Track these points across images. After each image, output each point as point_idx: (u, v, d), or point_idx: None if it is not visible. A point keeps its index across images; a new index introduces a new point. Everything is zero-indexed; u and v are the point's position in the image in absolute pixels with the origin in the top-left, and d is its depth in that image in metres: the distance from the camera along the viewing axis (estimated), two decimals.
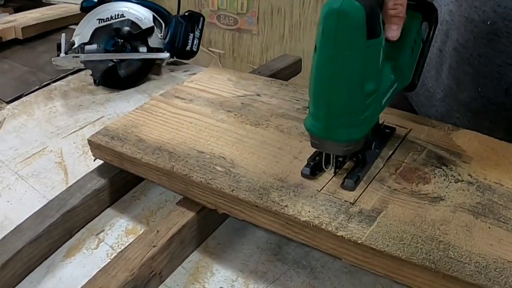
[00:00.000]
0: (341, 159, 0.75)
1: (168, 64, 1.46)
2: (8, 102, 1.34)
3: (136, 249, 0.74)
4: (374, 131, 0.74)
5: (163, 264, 0.75)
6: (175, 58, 1.42)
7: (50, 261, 0.83)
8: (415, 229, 0.66)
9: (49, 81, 1.40)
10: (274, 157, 0.81)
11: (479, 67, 0.92)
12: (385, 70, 0.71)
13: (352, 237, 0.65)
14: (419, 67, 0.79)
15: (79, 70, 1.44)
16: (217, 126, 0.90)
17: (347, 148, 0.69)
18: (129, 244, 0.75)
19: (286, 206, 0.70)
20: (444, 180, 0.75)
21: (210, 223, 0.82)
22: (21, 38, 1.66)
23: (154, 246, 0.74)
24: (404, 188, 0.73)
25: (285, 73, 1.28)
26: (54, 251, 0.85)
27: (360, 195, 0.72)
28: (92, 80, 1.34)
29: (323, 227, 0.66)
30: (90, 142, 0.91)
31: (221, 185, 0.75)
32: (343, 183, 0.73)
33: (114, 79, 1.30)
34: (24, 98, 1.35)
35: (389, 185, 0.74)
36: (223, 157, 0.81)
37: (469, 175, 0.76)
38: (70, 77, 1.43)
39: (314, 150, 0.77)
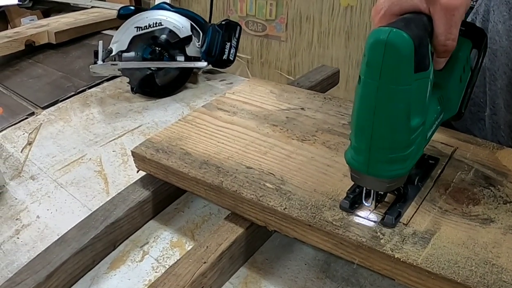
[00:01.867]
0: (382, 193, 0.72)
1: (204, 72, 1.48)
2: (44, 108, 1.35)
3: (186, 264, 0.75)
4: (417, 164, 0.71)
5: (213, 280, 0.77)
6: (211, 67, 1.43)
7: (94, 273, 0.84)
8: (468, 251, 0.67)
9: (85, 87, 1.42)
10: (323, 174, 0.82)
11: None
12: (432, 101, 0.69)
13: (408, 259, 0.66)
14: (467, 96, 0.77)
15: (114, 77, 1.46)
16: (263, 141, 0.91)
17: (390, 185, 0.67)
18: (179, 260, 0.76)
19: (339, 226, 0.71)
20: (493, 201, 0.75)
21: (258, 238, 0.84)
22: (54, 43, 1.67)
23: (204, 263, 0.75)
24: (455, 209, 0.74)
25: (324, 84, 1.29)
26: (98, 263, 0.86)
27: (413, 216, 0.73)
28: (128, 87, 1.35)
29: (378, 249, 0.67)
30: (134, 154, 0.93)
31: (272, 203, 0.76)
32: (383, 219, 0.72)
33: (151, 87, 1.32)
34: (59, 104, 1.37)
35: (440, 205, 0.75)
36: (272, 174, 0.82)
37: None
38: (105, 84, 1.45)
39: (351, 186, 0.77)
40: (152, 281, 0.75)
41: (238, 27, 1.40)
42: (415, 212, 0.73)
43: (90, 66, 1.27)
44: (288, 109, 1.00)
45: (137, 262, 0.86)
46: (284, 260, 0.83)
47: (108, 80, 1.45)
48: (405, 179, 0.69)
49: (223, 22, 1.39)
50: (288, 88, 1.09)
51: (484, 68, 1.01)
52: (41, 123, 1.28)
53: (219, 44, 1.37)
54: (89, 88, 1.42)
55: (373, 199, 0.72)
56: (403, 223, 0.71)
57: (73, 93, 1.39)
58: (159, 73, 1.31)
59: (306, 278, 0.79)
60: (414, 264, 0.65)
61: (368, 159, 0.64)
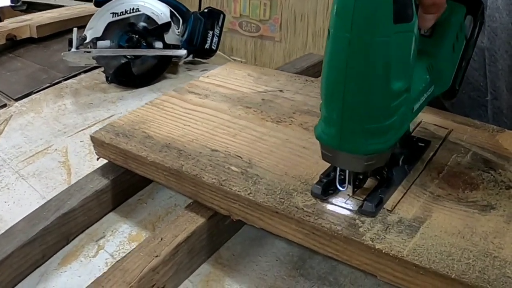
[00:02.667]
0: (360, 177, 0.60)
1: (185, 63, 1.35)
2: (17, 100, 1.24)
3: (136, 258, 0.62)
4: (404, 144, 0.61)
5: (167, 277, 0.64)
6: (193, 57, 1.30)
7: (44, 269, 0.73)
8: (465, 242, 0.54)
9: (60, 79, 1.30)
10: (297, 156, 0.69)
11: None
12: (419, 68, 0.58)
13: (391, 250, 0.53)
14: (462, 70, 0.67)
15: (93, 68, 1.34)
16: (234, 123, 0.78)
17: (368, 163, 0.54)
18: (129, 253, 0.64)
19: (311, 212, 0.58)
20: (494, 186, 0.63)
21: (223, 231, 0.70)
22: (36, 37, 1.56)
23: (156, 256, 0.62)
24: (449, 194, 0.61)
25: (310, 72, 1.16)
26: (49, 258, 0.74)
27: (399, 201, 0.60)
28: (105, 78, 1.23)
29: (356, 238, 0.54)
30: (93, 139, 0.80)
31: (236, 188, 0.63)
32: (361, 206, 0.59)
33: (127, 77, 1.19)
34: (33, 96, 1.26)
35: (432, 190, 0.62)
36: (239, 156, 0.70)
37: None
38: (82, 75, 1.33)
39: (325, 170, 0.65)
40: None
41: (222, 15, 1.28)
42: (402, 197, 0.60)
43: (62, 54, 1.15)
44: (265, 91, 0.87)
45: (90, 257, 0.74)
46: (252, 255, 0.70)
47: (86, 71, 1.33)
48: (387, 158, 0.56)
49: (205, 10, 1.27)
50: (267, 72, 0.96)
51: (483, 49, 0.89)
52: (12, 115, 1.17)
53: (201, 32, 1.25)
54: (65, 79, 1.30)
55: (349, 182, 0.59)
56: (387, 210, 0.58)
57: (48, 84, 1.27)
58: (136, 62, 1.19)
59: (276, 275, 0.66)
60: (399, 256, 0.52)
61: (340, 131, 0.52)
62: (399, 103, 0.51)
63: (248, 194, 0.62)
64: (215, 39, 1.27)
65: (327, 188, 0.61)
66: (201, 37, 1.25)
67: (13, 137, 1.07)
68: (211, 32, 1.27)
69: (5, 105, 1.22)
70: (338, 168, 0.59)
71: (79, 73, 1.34)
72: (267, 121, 0.78)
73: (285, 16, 2.30)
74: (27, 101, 1.23)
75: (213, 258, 0.70)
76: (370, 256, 0.54)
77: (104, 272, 0.62)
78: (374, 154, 0.53)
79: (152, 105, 0.86)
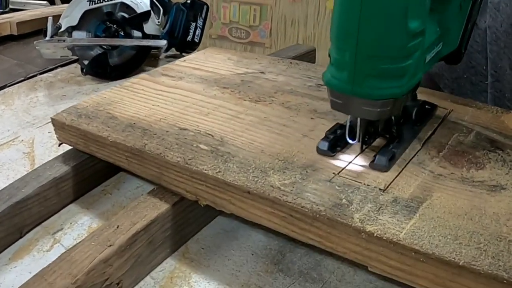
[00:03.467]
0: (372, 130, 0.53)
1: (167, 57, 1.25)
2: None
3: (87, 248, 0.51)
4: (414, 100, 0.57)
5: (123, 271, 0.53)
6: (175, 51, 1.20)
7: None
8: (474, 224, 0.44)
9: (36, 73, 1.19)
10: (277, 134, 0.58)
11: None
12: (430, 20, 0.52)
13: (385, 233, 0.42)
14: (467, 32, 0.61)
15: (72, 62, 1.23)
16: (208, 103, 0.67)
17: (382, 110, 0.47)
18: (79, 242, 0.53)
19: (290, 192, 0.47)
20: (503, 166, 0.53)
21: (192, 220, 0.59)
22: (16, 34, 1.46)
23: (110, 246, 0.51)
24: (452, 173, 0.51)
25: None
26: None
27: (394, 179, 0.49)
28: (80, 70, 1.12)
29: (342, 220, 0.43)
30: (53, 121, 0.70)
31: (203, 166, 0.52)
32: (373, 161, 0.51)
33: (103, 68, 1.08)
34: (6, 89, 1.15)
35: (432, 169, 0.51)
36: (210, 135, 0.59)
37: None
38: (59, 69, 1.22)
39: (331, 127, 0.56)
40: None
41: (205, 6, 1.18)
42: (397, 176, 0.50)
43: (35, 43, 1.04)
44: (245, 73, 0.77)
45: (44, 252, 0.64)
46: (225, 249, 0.59)
47: (63, 65, 1.23)
48: (400, 108, 0.50)
49: (188, 1, 1.17)
50: (249, 55, 0.86)
51: (485, 29, 0.79)
52: None
53: (183, 24, 1.15)
54: (41, 73, 1.20)
55: (360, 134, 0.51)
56: (379, 189, 0.47)
57: (22, 78, 1.16)
58: (113, 53, 1.08)
59: (251, 271, 0.55)
60: (395, 240, 0.42)
61: (353, 74, 0.46)
62: (415, 45, 0.46)
63: (217, 172, 0.51)
64: (198, 32, 1.17)
65: (334, 144, 0.53)
66: (183, 29, 1.15)
67: None
68: (193, 24, 1.17)
69: None
70: (349, 118, 0.51)
71: (56, 67, 1.23)
72: (244, 100, 0.67)
73: (275, 21, 2.20)
74: None
75: (180, 252, 0.59)
76: (359, 242, 0.44)
77: (50, 263, 0.51)
78: (389, 99, 0.47)
79: (122, 88, 0.75)
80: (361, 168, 0.51)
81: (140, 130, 0.61)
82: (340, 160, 0.52)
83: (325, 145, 0.53)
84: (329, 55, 0.48)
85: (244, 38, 2.29)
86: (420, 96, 0.67)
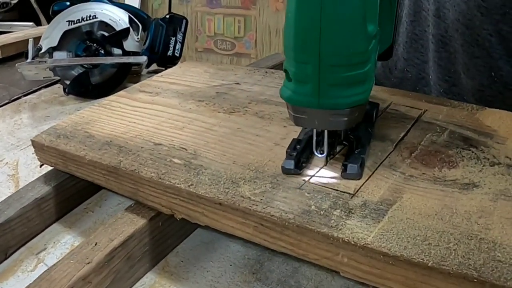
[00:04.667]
0: (332, 140, 0.52)
1: (149, 73, 1.25)
2: None
3: (66, 266, 0.51)
4: None
5: None
6: (156, 66, 1.20)
7: None
8: (444, 224, 0.44)
9: (20, 95, 1.19)
10: (249, 144, 0.58)
11: (491, 48, 0.69)
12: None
13: (353, 238, 0.42)
14: (396, 27, 0.61)
15: (55, 82, 1.23)
16: (183, 117, 0.67)
17: (350, 119, 0.46)
18: (59, 261, 0.52)
19: (260, 201, 0.47)
20: (476, 163, 0.53)
21: (170, 234, 0.59)
22: (0, 57, 1.46)
23: (88, 263, 0.51)
24: (424, 174, 0.51)
25: None
26: None
27: (364, 183, 0.49)
28: (63, 91, 1.12)
29: (311, 227, 0.43)
30: (33, 143, 0.69)
31: (175, 180, 0.52)
32: (344, 170, 0.50)
33: (85, 87, 1.08)
34: None
35: (403, 171, 0.51)
36: (184, 148, 0.59)
37: (507, 157, 0.54)
38: (42, 90, 1.22)
39: (289, 143, 0.55)
40: None
41: (184, 21, 1.18)
42: (367, 179, 0.50)
43: (16, 65, 1.04)
44: (221, 85, 0.77)
45: (28, 272, 0.63)
46: (204, 261, 0.58)
47: (46, 86, 1.22)
48: (364, 113, 0.49)
49: (167, 16, 1.17)
50: (226, 67, 0.86)
51: (426, 39, 0.79)
52: None
53: (163, 39, 1.15)
54: (25, 95, 1.19)
55: (328, 145, 0.50)
56: (348, 193, 0.47)
57: (6, 101, 1.16)
58: (94, 71, 1.08)
59: (229, 282, 0.55)
60: (363, 244, 0.41)
61: (317, 86, 0.44)
62: (373, 48, 0.46)
63: (189, 186, 0.51)
64: (178, 46, 1.17)
65: (298, 161, 0.52)
66: (163, 44, 1.15)
67: None
68: (173, 39, 1.17)
69: None
70: (314, 132, 0.50)
71: (40, 88, 1.23)
72: (219, 112, 0.67)
73: (260, 32, 2.21)
74: None
75: (160, 266, 0.59)
76: (329, 248, 0.43)
77: (30, 284, 0.51)
78: (355, 107, 0.45)
79: (100, 106, 0.75)
80: (331, 174, 0.51)
81: (116, 147, 0.61)
82: (306, 171, 0.52)
83: (290, 164, 0.51)
84: (284, 71, 0.46)
85: (230, 49, 2.30)
86: (395, 98, 0.68)
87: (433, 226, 0.43)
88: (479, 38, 0.72)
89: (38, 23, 1.98)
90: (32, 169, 0.86)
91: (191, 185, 0.51)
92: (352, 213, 0.45)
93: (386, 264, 0.41)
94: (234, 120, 0.65)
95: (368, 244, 0.41)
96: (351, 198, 0.47)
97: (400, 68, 0.86)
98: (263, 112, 0.66)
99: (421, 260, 0.40)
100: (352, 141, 0.53)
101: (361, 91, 0.46)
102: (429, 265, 0.39)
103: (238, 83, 0.77)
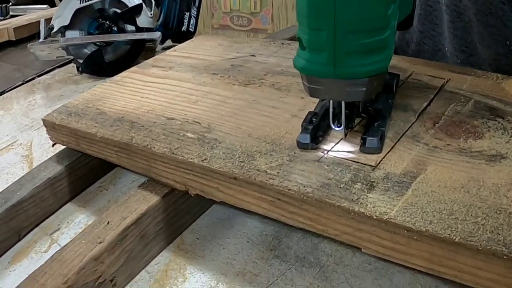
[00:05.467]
0: (350, 112, 0.49)
1: (163, 49, 1.22)
2: None
3: (77, 247, 0.50)
4: None
5: (116, 267, 0.51)
6: (171, 43, 1.17)
7: None
8: (471, 197, 0.41)
9: (34, 76, 1.17)
10: (265, 117, 0.56)
11: (504, 16, 0.67)
12: None
13: (375, 212, 0.39)
14: None
15: (68, 62, 1.21)
16: (196, 90, 0.65)
17: (369, 89, 0.43)
18: (70, 241, 0.51)
19: (276, 175, 0.45)
20: (503, 134, 0.50)
21: (185, 211, 0.58)
22: (14, 39, 1.45)
23: (100, 243, 0.49)
24: (448, 145, 0.48)
25: None
26: None
27: (386, 155, 0.47)
28: (76, 70, 1.10)
29: (330, 201, 0.41)
30: (45, 122, 0.68)
31: (189, 155, 0.50)
32: (363, 144, 0.48)
33: (99, 65, 1.07)
34: (5, 95, 1.13)
35: (426, 141, 0.49)
36: (198, 122, 0.57)
37: None
38: (56, 70, 1.21)
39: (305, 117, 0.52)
40: None
41: None
42: (389, 151, 0.47)
43: (28, 46, 1.03)
44: (235, 58, 0.74)
45: (42, 253, 0.62)
46: (220, 238, 0.57)
47: (60, 66, 1.21)
48: (383, 83, 0.46)
49: None
50: (240, 40, 0.84)
51: (441, 10, 0.75)
52: None
53: (177, 14, 1.13)
54: (39, 76, 1.18)
55: (346, 118, 0.47)
56: (370, 166, 0.45)
57: (20, 82, 1.14)
58: (108, 49, 1.07)
59: (247, 259, 0.53)
60: (386, 219, 0.39)
61: (333, 54, 0.41)
62: (392, 14, 0.43)
63: (203, 160, 0.49)
64: (192, 21, 1.15)
65: (315, 135, 0.49)
66: (177, 20, 1.13)
67: None
68: (187, 14, 1.14)
69: None
70: (331, 104, 0.47)
71: (53, 69, 1.21)
72: (233, 85, 0.65)
73: (276, 7, 2.16)
74: None
75: (175, 244, 0.57)
76: (350, 222, 0.41)
77: (41, 265, 0.50)
78: (374, 76, 0.43)
79: (111, 82, 0.73)
80: (350, 147, 0.48)
81: (128, 123, 0.60)
82: (325, 143, 0.50)
83: (306, 138, 0.48)
84: (298, 39, 0.44)
85: (246, 25, 2.26)
86: (416, 67, 0.65)
87: (460, 199, 0.41)
88: (492, 7, 0.68)
89: (52, 5, 1.97)
90: (46, 150, 0.85)
91: (205, 159, 0.49)
92: (374, 186, 0.43)
93: (410, 240, 0.39)
94: (250, 92, 0.62)
95: (391, 218, 0.39)
96: (373, 170, 0.45)
97: (416, 41, 0.83)
98: (280, 84, 0.63)
99: (448, 236, 0.37)
100: (371, 113, 0.51)
101: (380, 59, 0.43)
102: (456, 240, 0.37)
103: (253, 55, 0.74)
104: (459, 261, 0.38)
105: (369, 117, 0.51)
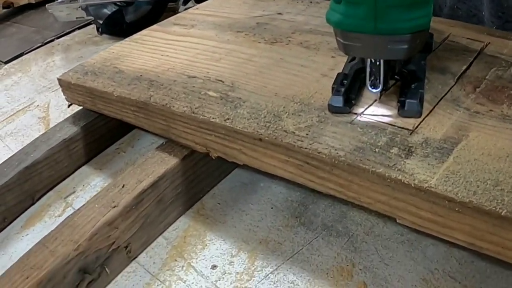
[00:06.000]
0: (386, 73, 0.45)
1: (186, 10, 1.18)
2: (6, 62, 1.10)
3: (90, 211, 0.47)
4: None
5: (131, 233, 0.48)
6: (194, 2, 1.13)
7: (5, 234, 0.59)
8: None
9: (53, 38, 1.15)
10: (293, 76, 0.53)
11: None
12: None
13: (414, 180, 0.36)
14: None
15: (89, 23, 1.18)
16: (219, 48, 0.62)
17: (411, 46, 0.40)
18: (83, 205, 0.48)
19: (305, 136, 0.41)
20: None
21: (205, 175, 0.55)
22: (34, 2, 1.42)
23: (114, 207, 0.46)
24: (491, 110, 0.45)
25: None
26: (12, 221, 0.60)
27: (424, 119, 0.43)
28: (96, 30, 1.07)
29: (365, 166, 0.37)
30: (60, 81, 0.65)
31: (210, 114, 0.47)
32: (402, 107, 0.44)
33: (120, 26, 1.03)
34: (24, 57, 1.12)
35: (467, 106, 0.45)
36: (221, 81, 0.53)
37: None
38: (76, 32, 1.18)
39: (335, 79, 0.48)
40: None
41: None
42: (428, 114, 0.43)
43: (46, 6, 1.00)
44: (261, 16, 0.70)
45: (56, 217, 0.60)
46: (242, 204, 0.54)
47: (80, 28, 1.18)
48: (425, 41, 0.43)
49: None
50: None
51: None
52: None
53: None
54: (58, 37, 1.16)
55: (384, 78, 0.43)
56: (408, 129, 0.41)
57: (39, 44, 1.12)
58: (128, 9, 1.03)
59: (270, 226, 0.50)
60: (425, 187, 0.36)
61: (374, 7, 0.38)
62: None
63: (225, 120, 0.46)
64: None
65: (348, 97, 0.45)
66: None
67: None
68: None
69: None
70: (368, 63, 0.43)
71: (73, 30, 1.19)
72: (259, 43, 0.62)
73: None
74: (17, 63, 1.09)
75: (194, 209, 0.55)
76: (385, 190, 0.38)
77: (52, 230, 0.47)
78: (416, 32, 0.39)
79: (131, 41, 0.70)
80: (385, 110, 0.45)
81: (146, 82, 0.56)
82: (358, 105, 0.46)
83: (339, 101, 0.45)
84: None
85: None
86: (453, 29, 0.61)
87: (505, 169, 0.37)
88: None
89: None
90: (63, 111, 0.83)
91: (228, 119, 0.46)
92: (412, 151, 0.39)
93: (451, 211, 0.36)
94: (277, 50, 0.59)
95: (431, 187, 0.36)
96: (410, 135, 0.41)
97: (450, 5, 0.78)
98: (308, 42, 0.60)
99: (493, 208, 0.34)
100: (405, 75, 0.47)
101: (422, 14, 0.39)
102: (502, 214, 0.34)
103: (280, 13, 0.70)
104: (504, 237, 0.35)
105: (402, 79, 0.47)
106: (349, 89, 0.46)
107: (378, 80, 0.44)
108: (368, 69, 0.44)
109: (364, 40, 0.40)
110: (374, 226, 0.48)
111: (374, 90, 0.44)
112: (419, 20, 0.39)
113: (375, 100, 0.46)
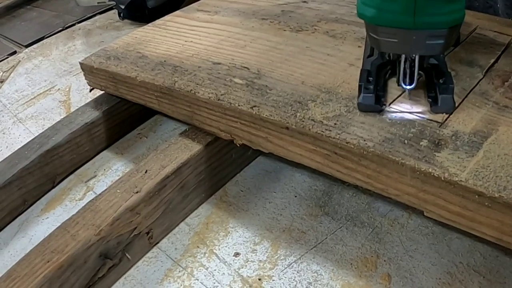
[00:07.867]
0: (413, 68, 0.43)
1: None
2: (27, 46, 1.10)
3: (112, 196, 0.47)
4: None
5: (153, 219, 0.48)
6: None
7: (25, 216, 0.59)
8: None
9: (74, 22, 1.15)
10: (320, 64, 0.52)
11: None
12: None
13: (444, 173, 0.35)
14: None
15: (110, 9, 1.18)
16: (245, 35, 0.61)
17: (447, 40, 0.38)
18: (105, 190, 0.48)
19: (333, 126, 0.41)
20: None
21: (229, 162, 0.54)
22: None
23: (137, 192, 0.46)
24: None
25: None
26: (32, 204, 0.61)
27: (452, 112, 0.42)
28: (117, 15, 1.07)
29: (394, 157, 0.37)
30: (82, 65, 0.65)
31: (236, 102, 0.46)
32: (435, 103, 0.42)
33: (141, 11, 1.03)
34: (44, 41, 1.12)
35: (496, 100, 0.44)
36: (246, 67, 0.53)
37: None
38: (97, 17, 1.18)
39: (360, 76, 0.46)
40: None
41: None
42: (457, 107, 0.42)
43: None
44: (286, 3, 0.69)
45: (76, 201, 0.60)
46: (266, 191, 0.53)
47: (101, 12, 1.18)
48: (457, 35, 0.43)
49: None
50: None
51: None
52: (20, 61, 1.04)
53: None
54: (79, 22, 1.16)
55: (417, 73, 0.42)
56: (437, 122, 0.40)
57: (60, 28, 1.12)
58: None
59: (294, 214, 0.50)
60: (455, 181, 0.35)
61: (413, 1, 0.36)
62: None
63: (252, 108, 0.45)
64: None
65: (377, 95, 0.44)
66: None
67: (17, 82, 0.95)
68: None
69: (14, 52, 1.09)
70: (403, 58, 0.42)
71: (94, 15, 1.19)
72: (284, 30, 0.61)
73: None
74: (37, 46, 1.10)
75: (217, 196, 0.55)
76: (414, 182, 0.37)
77: (73, 214, 0.47)
78: (453, 26, 0.38)
79: (154, 26, 0.70)
80: (414, 102, 0.44)
81: (170, 67, 0.56)
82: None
83: (370, 99, 0.43)
84: None
85: None
86: (480, 22, 0.60)
87: None
88: None
89: None
90: (84, 95, 0.83)
91: (254, 106, 0.45)
92: (442, 144, 0.38)
93: (480, 206, 0.35)
94: (302, 38, 0.58)
95: (461, 181, 0.35)
96: (440, 127, 0.40)
97: None
98: (334, 31, 0.59)
99: None
100: (429, 69, 0.46)
101: (458, 7, 0.38)
102: None
103: (305, 1, 0.70)
104: None
105: (426, 73, 0.46)
106: (376, 86, 0.45)
107: (411, 77, 0.43)
108: (402, 66, 0.42)
109: (401, 35, 0.39)
110: (399, 218, 0.48)
111: (408, 87, 0.43)
112: (456, 14, 0.38)
113: (403, 92, 0.45)
